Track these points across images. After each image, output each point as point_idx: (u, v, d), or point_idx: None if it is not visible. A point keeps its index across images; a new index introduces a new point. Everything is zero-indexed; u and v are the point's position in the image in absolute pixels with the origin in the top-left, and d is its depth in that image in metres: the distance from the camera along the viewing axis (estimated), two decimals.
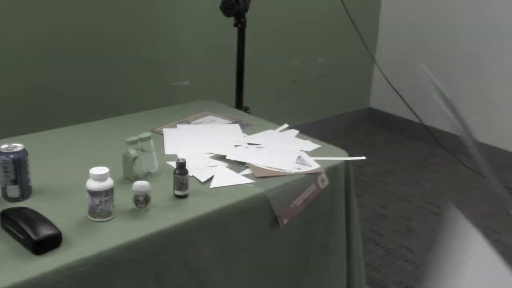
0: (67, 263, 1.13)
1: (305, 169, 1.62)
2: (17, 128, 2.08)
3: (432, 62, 3.77)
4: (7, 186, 1.36)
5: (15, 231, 1.20)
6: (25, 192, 1.38)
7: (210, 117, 2.05)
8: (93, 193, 1.27)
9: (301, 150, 1.75)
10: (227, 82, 2.76)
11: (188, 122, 1.99)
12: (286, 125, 1.96)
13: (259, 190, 1.49)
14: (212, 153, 1.70)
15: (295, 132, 1.91)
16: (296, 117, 3.60)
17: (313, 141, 1.84)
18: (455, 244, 0.47)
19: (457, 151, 3.55)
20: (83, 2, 2.56)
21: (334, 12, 3.44)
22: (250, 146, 1.76)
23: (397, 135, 3.93)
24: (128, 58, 2.78)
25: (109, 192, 1.29)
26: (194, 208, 1.39)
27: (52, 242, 1.18)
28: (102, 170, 1.29)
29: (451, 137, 3.70)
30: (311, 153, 1.74)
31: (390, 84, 3.28)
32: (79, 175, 1.43)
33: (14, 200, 1.37)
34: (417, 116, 3.31)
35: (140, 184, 1.35)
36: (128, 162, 1.50)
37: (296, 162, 1.66)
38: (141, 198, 1.35)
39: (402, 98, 3.25)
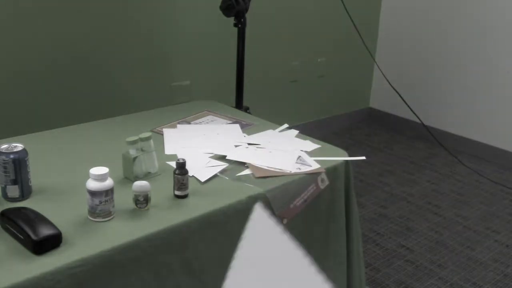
0: (67, 263, 1.14)
1: (305, 169, 1.62)
2: (17, 128, 2.08)
3: (432, 62, 3.77)
4: (7, 186, 1.36)
5: (15, 231, 1.20)
6: (25, 192, 1.38)
7: (210, 117, 2.05)
8: (93, 193, 1.27)
9: (301, 150, 1.75)
10: (227, 82, 2.76)
11: (188, 122, 1.99)
12: (286, 125, 1.96)
13: (259, 190, 1.49)
14: (212, 153, 1.70)
15: (295, 132, 1.91)
16: (296, 117, 3.60)
17: (313, 141, 1.84)
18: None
19: (457, 151, 3.55)
20: (83, 2, 2.56)
21: (334, 12, 3.45)
22: (250, 146, 1.76)
23: (397, 135, 3.93)
24: (128, 58, 2.78)
25: (109, 192, 1.29)
26: (194, 208, 1.39)
27: (52, 242, 1.18)
28: (102, 170, 1.29)
29: (451, 137, 3.73)
30: (311, 153, 1.74)
31: (390, 84, 3.28)
32: (79, 175, 1.43)
33: (14, 200, 1.37)
34: (417, 116, 3.31)
35: (140, 184, 1.35)
36: (128, 162, 1.50)
37: (296, 162, 1.66)
38: (141, 198, 1.35)
39: (402, 98, 3.25)
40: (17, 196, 1.37)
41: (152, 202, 1.37)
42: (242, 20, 2.40)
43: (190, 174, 1.48)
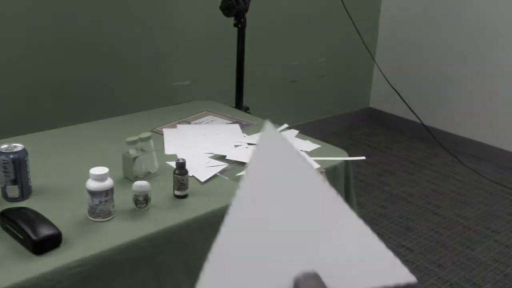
0: (67, 263, 1.14)
1: None
2: (17, 128, 2.08)
3: (432, 62, 3.77)
4: (7, 186, 1.36)
5: (15, 231, 1.20)
6: (25, 192, 1.38)
7: (210, 117, 2.05)
8: (93, 193, 1.27)
9: (301, 150, 1.75)
10: (227, 82, 2.76)
11: (188, 122, 1.99)
12: (286, 125, 1.96)
13: None
14: (212, 153, 1.70)
15: (295, 132, 1.91)
16: (296, 117, 3.60)
17: (313, 141, 1.84)
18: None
19: (457, 151, 3.55)
20: (84, 2, 2.56)
21: (334, 12, 3.45)
22: (250, 146, 1.76)
23: (397, 135, 3.93)
24: (128, 58, 2.78)
25: (109, 192, 1.29)
26: (194, 208, 1.39)
27: (52, 242, 1.18)
28: (102, 170, 1.29)
29: (451, 137, 3.72)
30: (311, 153, 1.74)
31: (390, 84, 3.28)
32: (79, 175, 1.43)
33: (14, 200, 1.37)
34: (417, 116, 3.31)
35: (140, 184, 1.35)
36: (128, 162, 1.50)
37: None
38: (141, 198, 1.35)
39: (402, 98, 3.25)
40: (17, 196, 1.37)
41: (152, 202, 1.37)
42: (242, 20, 2.40)
43: (190, 174, 1.48)
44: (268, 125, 0.44)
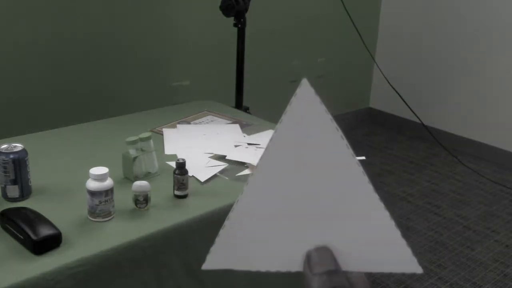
0: (67, 263, 1.14)
1: None
2: (17, 128, 2.08)
3: (432, 62, 3.77)
4: (7, 186, 1.36)
5: (15, 231, 1.20)
6: (25, 192, 1.38)
7: (209, 117, 2.05)
8: (93, 193, 1.27)
9: None
10: (227, 82, 2.76)
11: (188, 122, 1.99)
12: None
13: None
14: (212, 153, 1.70)
15: None
16: None
17: None
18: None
19: (457, 151, 3.55)
20: (83, 2, 2.56)
21: (334, 12, 3.44)
22: (250, 146, 1.76)
23: (397, 135, 3.93)
24: (128, 58, 2.78)
25: (109, 192, 1.29)
26: (194, 208, 1.39)
27: (52, 242, 1.18)
28: (102, 170, 1.29)
29: (451, 137, 3.72)
30: None
31: (390, 84, 3.28)
32: (79, 175, 1.43)
33: (14, 200, 1.37)
34: (417, 116, 3.31)
35: (140, 184, 1.35)
36: (128, 162, 1.50)
37: None
38: (141, 198, 1.35)
39: (402, 98, 3.25)
40: (17, 196, 1.37)
41: (152, 202, 1.37)
42: (242, 20, 2.40)
43: (190, 174, 1.48)
44: (305, 83, 0.43)
